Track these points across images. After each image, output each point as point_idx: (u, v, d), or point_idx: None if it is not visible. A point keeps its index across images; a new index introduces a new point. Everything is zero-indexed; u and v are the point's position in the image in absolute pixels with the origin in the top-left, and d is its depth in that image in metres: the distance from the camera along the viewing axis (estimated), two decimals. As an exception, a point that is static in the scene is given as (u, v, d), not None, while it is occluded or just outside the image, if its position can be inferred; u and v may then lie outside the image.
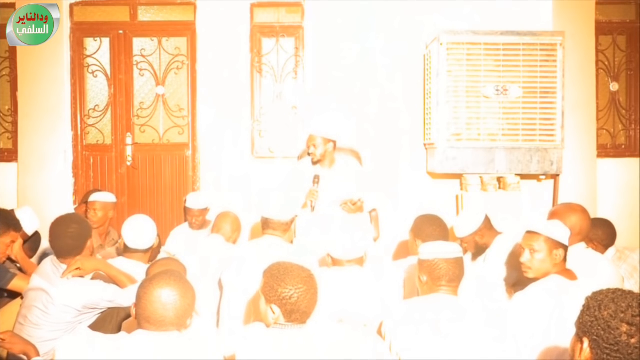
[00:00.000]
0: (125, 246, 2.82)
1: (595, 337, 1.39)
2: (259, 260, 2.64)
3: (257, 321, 1.98)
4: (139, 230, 2.80)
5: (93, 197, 3.90)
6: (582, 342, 1.43)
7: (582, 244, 2.72)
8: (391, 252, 4.30)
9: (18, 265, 3.14)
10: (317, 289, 1.89)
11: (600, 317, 1.39)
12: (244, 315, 2.61)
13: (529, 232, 2.34)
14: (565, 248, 2.27)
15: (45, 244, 3.76)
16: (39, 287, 2.57)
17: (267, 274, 1.91)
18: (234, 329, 2.54)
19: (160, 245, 3.60)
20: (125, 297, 2.54)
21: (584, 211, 2.77)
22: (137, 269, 2.67)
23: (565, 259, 2.28)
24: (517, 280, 2.75)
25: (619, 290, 1.45)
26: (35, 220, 3.39)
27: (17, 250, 3.09)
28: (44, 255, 3.72)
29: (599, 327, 1.39)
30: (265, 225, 2.81)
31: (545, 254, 2.29)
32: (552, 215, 2.78)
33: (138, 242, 2.79)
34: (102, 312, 2.64)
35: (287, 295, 1.83)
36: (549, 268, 2.29)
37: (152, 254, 2.93)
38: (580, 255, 2.62)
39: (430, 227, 2.87)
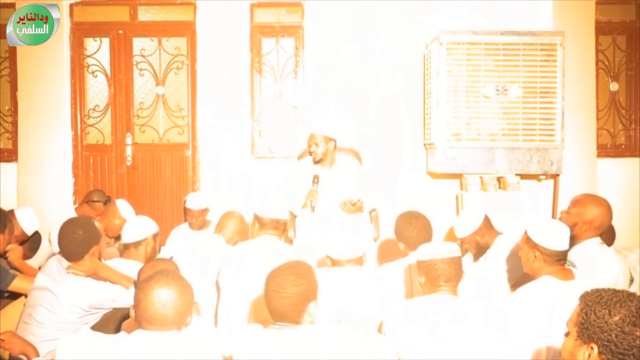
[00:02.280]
0: (123, 246, 2.83)
1: (605, 343, 1.36)
2: (256, 260, 2.64)
3: (257, 322, 1.98)
4: (128, 225, 2.86)
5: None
6: (590, 348, 1.39)
7: (597, 239, 2.68)
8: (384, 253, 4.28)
9: (13, 266, 3.14)
10: (295, 293, 1.86)
11: (611, 323, 1.36)
12: (244, 316, 2.60)
13: None
14: (543, 250, 2.24)
15: (45, 243, 3.76)
16: (44, 287, 2.58)
17: None
18: (232, 329, 2.54)
19: (160, 245, 3.60)
20: (130, 297, 2.55)
21: (608, 207, 2.69)
22: (134, 268, 2.67)
23: (551, 261, 2.24)
24: (518, 280, 2.74)
25: (619, 292, 1.43)
26: (34, 220, 3.39)
27: (15, 257, 3.11)
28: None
29: (611, 333, 1.36)
30: (264, 224, 2.80)
31: (524, 251, 2.33)
32: (575, 204, 2.73)
33: (126, 236, 2.83)
34: (105, 313, 2.64)
35: (265, 292, 1.89)
36: (531, 265, 2.31)
37: (150, 253, 2.93)
38: (592, 251, 2.60)
39: (409, 227, 2.84)
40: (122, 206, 3.71)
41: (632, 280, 2.90)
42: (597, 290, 1.45)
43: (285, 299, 1.85)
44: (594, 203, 2.70)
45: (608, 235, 3.32)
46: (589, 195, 2.87)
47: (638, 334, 1.34)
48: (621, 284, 2.58)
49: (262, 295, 1.93)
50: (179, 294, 1.73)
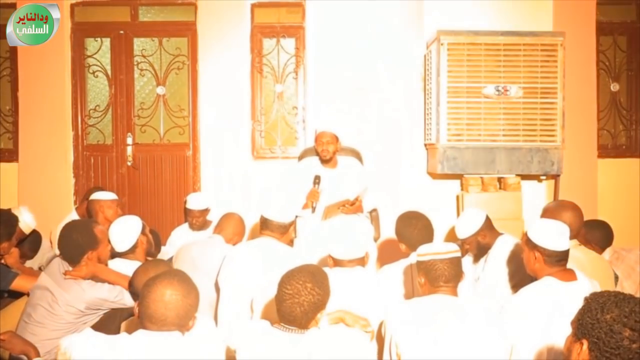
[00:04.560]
0: (118, 254, 2.83)
1: (595, 340, 1.38)
2: (254, 260, 2.64)
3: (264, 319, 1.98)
4: (114, 234, 2.80)
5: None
6: (581, 343, 1.42)
7: (574, 241, 2.71)
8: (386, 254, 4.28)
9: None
10: (310, 302, 1.84)
11: (602, 320, 1.38)
12: (243, 316, 2.60)
13: None
14: (543, 251, 2.24)
15: (45, 243, 3.76)
16: (44, 286, 2.58)
17: None
18: (232, 329, 2.54)
19: (160, 244, 3.60)
20: (129, 297, 2.55)
21: (574, 208, 2.76)
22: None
23: (551, 262, 2.23)
24: (520, 280, 2.74)
25: (621, 293, 1.44)
26: (31, 219, 3.38)
27: (13, 261, 3.11)
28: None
29: (601, 330, 1.37)
30: (264, 225, 2.79)
31: (525, 253, 2.34)
32: (544, 213, 2.78)
33: (118, 247, 2.80)
34: (105, 313, 2.64)
35: (278, 293, 1.87)
36: (532, 267, 2.31)
37: (147, 248, 2.92)
38: (571, 253, 2.61)
39: (409, 228, 2.84)
40: (101, 196, 3.66)
41: (617, 278, 2.92)
42: (603, 291, 1.47)
43: (298, 305, 1.83)
44: (560, 208, 2.77)
45: (605, 237, 3.33)
46: (554, 202, 2.96)
47: (626, 334, 1.36)
48: (606, 283, 2.58)
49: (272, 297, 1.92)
50: (182, 296, 1.73)
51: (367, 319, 2.15)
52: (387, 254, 3.76)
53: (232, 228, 3.24)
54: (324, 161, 3.67)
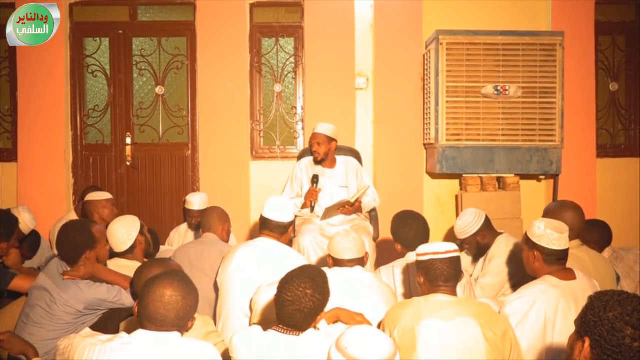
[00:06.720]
0: (117, 255, 2.83)
1: (597, 338, 1.38)
2: (251, 261, 2.64)
3: (256, 323, 1.98)
4: (113, 234, 2.80)
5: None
6: (583, 341, 1.42)
7: (576, 241, 2.71)
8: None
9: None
10: (310, 308, 1.84)
11: (604, 318, 1.38)
12: (241, 316, 2.60)
13: None
14: (542, 250, 2.24)
15: (45, 244, 3.76)
16: (42, 286, 2.57)
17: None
18: (232, 329, 2.54)
19: (158, 244, 3.60)
20: (128, 298, 2.55)
21: (576, 208, 2.76)
22: (135, 268, 2.66)
23: (550, 261, 2.24)
24: (519, 280, 2.74)
25: (625, 292, 1.45)
26: (31, 219, 3.38)
27: (13, 262, 3.11)
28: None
29: (603, 328, 1.38)
30: (263, 225, 2.79)
31: (525, 252, 2.35)
32: (546, 213, 2.78)
33: (117, 248, 2.81)
34: (104, 313, 2.64)
35: (278, 298, 1.86)
36: (531, 266, 2.32)
37: (145, 247, 2.92)
38: (573, 253, 2.61)
39: (405, 228, 2.85)
40: (94, 197, 3.66)
41: (619, 278, 2.92)
42: (607, 290, 1.48)
43: (299, 312, 1.83)
44: (561, 208, 2.77)
45: (604, 236, 3.34)
46: (555, 202, 2.97)
47: (628, 333, 1.36)
48: (608, 284, 2.58)
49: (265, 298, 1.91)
50: (182, 297, 1.73)
51: (363, 314, 2.15)
52: (387, 253, 3.76)
53: (218, 221, 3.22)
54: (319, 161, 3.69)
